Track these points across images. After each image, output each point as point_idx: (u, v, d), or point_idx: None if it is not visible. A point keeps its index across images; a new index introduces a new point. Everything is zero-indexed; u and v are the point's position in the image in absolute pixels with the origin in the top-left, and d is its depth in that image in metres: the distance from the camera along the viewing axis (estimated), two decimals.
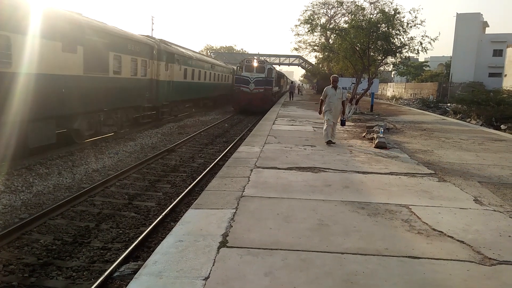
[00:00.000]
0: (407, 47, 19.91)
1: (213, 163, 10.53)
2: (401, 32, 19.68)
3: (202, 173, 9.58)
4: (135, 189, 8.41)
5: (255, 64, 26.78)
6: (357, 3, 27.57)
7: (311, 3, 41.14)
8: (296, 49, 44.98)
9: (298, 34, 43.48)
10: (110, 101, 13.41)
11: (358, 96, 21.76)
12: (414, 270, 3.53)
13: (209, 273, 3.33)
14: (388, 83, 76.37)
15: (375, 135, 11.06)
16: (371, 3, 24.50)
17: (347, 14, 33.39)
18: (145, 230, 5.95)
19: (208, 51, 69.15)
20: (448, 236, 4.35)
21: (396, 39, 19.83)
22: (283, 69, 77.33)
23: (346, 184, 6.36)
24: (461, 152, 9.93)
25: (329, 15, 41.37)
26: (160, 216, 6.52)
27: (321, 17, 38.05)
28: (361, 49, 20.26)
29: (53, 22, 9.93)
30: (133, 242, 5.51)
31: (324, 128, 10.45)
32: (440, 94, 53.59)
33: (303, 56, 55.32)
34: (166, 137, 15.44)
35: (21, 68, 8.88)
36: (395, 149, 10.03)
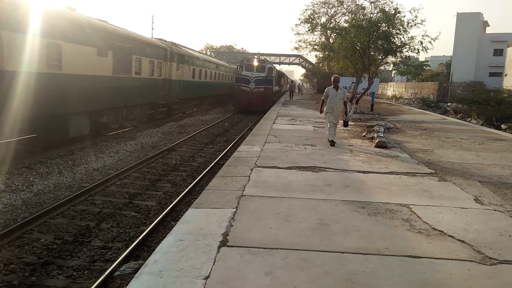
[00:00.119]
0: (407, 46, 19.86)
1: (214, 163, 10.54)
2: (402, 31, 19.63)
3: (202, 172, 9.59)
4: (135, 188, 8.41)
5: (255, 63, 26.76)
6: (357, 3, 27.56)
7: (312, 2, 41.08)
8: (296, 48, 45.00)
9: (299, 34, 43.52)
10: (132, 98, 15.19)
11: (358, 95, 21.74)
12: (415, 270, 3.53)
13: (210, 272, 3.33)
14: (389, 83, 76.30)
15: (375, 135, 11.05)
16: (371, 3, 24.50)
17: (347, 13, 33.37)
18: (145, 230, 5.95)
19: (208, 50, 69.09)
20: (449, 235, 4.35)
21: (396, 39, 19.79)
22: (283, 68, 77.44)
23: (347, 184, 6.36)
24: (462, 151, 9.93)
25: (330, 14, 41.37)
26: (161, 216, 6.53)
27: (321, 16, 37.94)
28: (361, 49, 20.23)
29: (92, 31, 11.77)
30: (133, 242, 5.52)
31: (326, 128, 10.43)
32: (441, 93, 53.53)
33: (303, 56, 55.35)
34: (167, 136, 15.45)
35: (68, 70, 10.63)
36: (395, 148, 10.03)
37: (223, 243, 3.92)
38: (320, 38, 37.88)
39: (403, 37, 19.76)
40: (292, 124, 14.72)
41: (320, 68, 47.93)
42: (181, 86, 20.78)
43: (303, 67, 64.43)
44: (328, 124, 10.28)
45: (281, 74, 41.24)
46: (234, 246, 3.86)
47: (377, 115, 20.18)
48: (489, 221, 4.87)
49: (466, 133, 13.96)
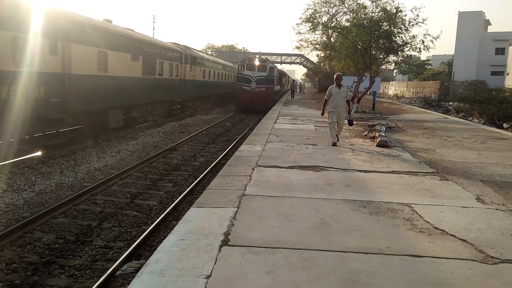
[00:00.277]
0: (409, 45, 19.83)
1: (215, 162, 10.54)
2: (403, 30, 19.61)
3: (203, 171, 9.59)
4: (137, 188, 8.42)
5: (256, 62, 26.71)
6: (358, 2, 27.47)
7: (313, 2, 40.95)
8: (297, 47, 45.04)
9: (300, 33, 43.55)
10: (155, 96, 17.71)
11: (360, 94, 21.72)
12: (416, 269, 3.53)
13: (211, 272, 3.34)
14: (390, 82, 76.13)
15: (377, 134, 11.04)
16: (372, 2, 24.33)
17: (348, 12, 33.37)
18: (147, 229, 5.96)
19: (209, 50, 69.06)
20: (450, 234, 4.34)
21: (398, 38, 19.76)
22: (284, 67, 77.38)
23: (348, 183, 6.36)
24: (463, 150, 9.91)
25: (331, 14, 41.36)
26: (162, 215, 6.53)
27: (322, 16, 37.92)
28: (362, 48, 20.20)
29: (128, 40, 14.45)
30: (135, 241, 5.53)
31: (329, 128, 10.31)
32: (442, 92, 53.40)
33: (304, 55, 55.25)
34: (168, 136, 15.46)
35: (112, 72, 13.11)
36: (397, 147, 10.02)
37: (225, 242, 3.93)
38: (321, 38, 37.94)
39: (405, 36, 19.74)
40: (294, 124, 14.71)
41: (321, 68, 47.94)
42: (193, 85, 23.17)
43: (304, 66, 64.36)
44: (330, 124, 10.16)
45: (282, 74, 41.20)
46: (236, 246, 3.86)
47: (378, 114, 20.15)
48: (491, 220, 4.86)
49: (467, 132, 13.93)
